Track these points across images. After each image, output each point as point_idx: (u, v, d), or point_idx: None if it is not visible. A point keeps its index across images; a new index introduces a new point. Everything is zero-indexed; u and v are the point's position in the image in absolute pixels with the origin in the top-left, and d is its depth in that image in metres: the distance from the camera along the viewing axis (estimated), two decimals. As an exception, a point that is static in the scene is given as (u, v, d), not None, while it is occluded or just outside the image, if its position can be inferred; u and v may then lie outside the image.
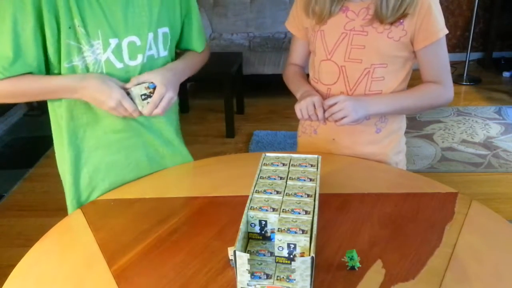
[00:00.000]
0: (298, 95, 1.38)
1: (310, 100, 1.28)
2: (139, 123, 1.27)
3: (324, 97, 1.34)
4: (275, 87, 2.81)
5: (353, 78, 1.34)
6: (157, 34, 1.23)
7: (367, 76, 1.33)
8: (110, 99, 1.13)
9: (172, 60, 1.31)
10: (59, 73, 1.17)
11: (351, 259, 0.92)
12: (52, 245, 1.05)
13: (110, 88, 1.13)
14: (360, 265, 0.93)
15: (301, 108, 1.28)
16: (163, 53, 1.26)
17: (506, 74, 4.75)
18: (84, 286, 0.92)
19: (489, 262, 0.95)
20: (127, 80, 1.19)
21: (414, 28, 1.26)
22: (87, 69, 1.16)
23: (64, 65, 1.15)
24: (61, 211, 1.30)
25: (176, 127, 1.41)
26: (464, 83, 4.57)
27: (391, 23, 1.26)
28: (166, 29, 1.25)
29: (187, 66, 1.33)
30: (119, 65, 1.18)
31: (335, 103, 1.24)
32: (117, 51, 1.17)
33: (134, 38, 1.18)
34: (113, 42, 1.16)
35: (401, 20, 1.26)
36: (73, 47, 1.13)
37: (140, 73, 1.21)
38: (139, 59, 1.20)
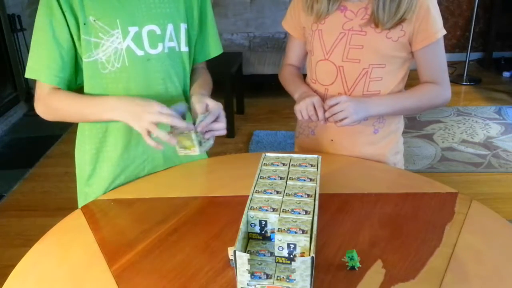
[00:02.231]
0: (296, 96, 1.38)
1: (309, 100, 1.28)
2: None
3: (322, 97, 1.34)
4: (275, 87, 2.81)
5: (351, 78, 1.34)
6: (178, 27, 1.25)
7: (365, 76, 1.33)
8: (149, 107, 1.11)
9: (191, 58, 1.34)
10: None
11: (351, 259, 0.92)
12: (52, 245, 1.05)
13: (147, 101, 1.12)
14: (360, 265, 0.93)
15: (301, 109, 1.29)
16: (185, 48, 1.28)
17: (506, 74, 4.75)
18: (84, 286, 0.92)
19: (489, 262, 0.95)
20: (149, 68, 1.21)
21: (413, 29, 1.27)
22: (108, 61, 1.18)
23: (84, 60, 1.18)
24: (61, 211, 1.30)
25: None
26: (464, 83, 4.57)
27: (389, 29, 1.26)
28: (186, 25, 1.27)
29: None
30: (139, 52, 1.20)
31: (337, 104, 1.24)
32: (137, 39, 1.19)
33: (153, 27, 1.20)
34: (132, 30, 1.18)
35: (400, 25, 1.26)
36: (90, 42, 1.16)
37: (163, 62, 1.23)
38: (160, 48, 1.22)
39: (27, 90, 4.14)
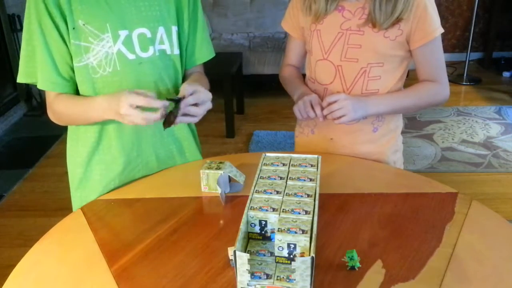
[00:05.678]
0: (295, 97, 1.39)
1: (307, 99, 1.29)
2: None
3: (321, 97, 1.35)
4: (275, 87, 2.82)
5: (349, 77, 1.34)
6: (170, 30, 1.24)
7: (363, 75, 1.33)
8: (120, 103, 1.06)
9: (183, 61, 1.32)
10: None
11: (351, 259, 0.92)
12: (52, 245, 1.05)
13: (119, 93, 1.07)
14: (360, 265, 0.93)
15: (299, 109, 1.29)
16: (176, 51, 1.27)
17: (506, 74, 4.75)
18: (84, 286, 0.92)
19: (489, 262, 0.95)
20: (141, 72, 1.20)
21: (410, 27, 1.27)
22: (99, 65, 1.17)
23: (75, 64, 1.17)
24: (61, 211, 1.30)
25: (190, 125, 1.41)
26: (464, 83, 4.57)
27: (386, 28, 1.26)
28: (177, 28, 1.26)
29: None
30: (131, 56, 1.19)
31: (335, 101, 1.25)
32: (128, 43, 1.18)
33: (144, 30, 1.19)
34: (122, 33, 1.17)
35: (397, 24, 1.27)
36: (80, 47, 1.15)
37: (154, 65, 1.22)
38: (151, 51, 1.21)
39: (27, 90, 4.14)
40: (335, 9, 1.32)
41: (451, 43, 5.04)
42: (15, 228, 2.64)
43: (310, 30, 1.37)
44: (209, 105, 1.14)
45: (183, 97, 1.10)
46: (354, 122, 1.36)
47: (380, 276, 0.91)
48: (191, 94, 1.11)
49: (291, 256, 0.85)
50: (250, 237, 0.95)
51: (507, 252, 0.98)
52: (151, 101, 1.05)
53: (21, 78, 1.19)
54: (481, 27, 5.04)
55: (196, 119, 1.14)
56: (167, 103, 1.08)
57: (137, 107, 1.05)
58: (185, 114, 1.11)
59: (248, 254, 0.79)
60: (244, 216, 0.91)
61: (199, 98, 1.11)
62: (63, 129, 1.33)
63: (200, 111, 1.12)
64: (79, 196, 1.32)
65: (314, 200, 0.94)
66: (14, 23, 4.02)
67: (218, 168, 1.18)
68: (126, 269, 0.96)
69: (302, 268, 0.79)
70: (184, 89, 1.12)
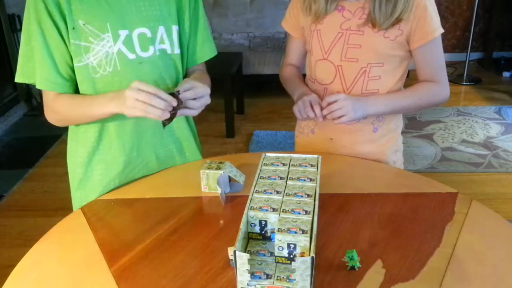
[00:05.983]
0: (295, 97, 1.39)
1: (307, 99, 1.29)
2: (151, 123, 1.27)
3: (321, 97, 1.35)
4: (275, 87, 2.82)
5: (349, 77, 1.34)
6: (170, 30, 1.24)
7: (363, 75, 1.33)
8: (128, 88, 1.06)
9: (183, 60, 1.32)
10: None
11: (351, 259, 0.92)
12: (52, 245, 1.05)
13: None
14: (360, 265, 0.93)
15: (299, 109, 1.29)
16: (177, 50, 1.27)
17: (506, 74, 4.75)
18: (84, 286, 0.92)
19: (489, 262, 0.95)
20: (141, 71, 1.20)
21: (410, 28, 1.27)
22: (99, 65, 1.17)
23: (75, 64, 1.17)
24: (61, 211, 1.30)
25: (190, 125, 1.42)
26: (464, 83, 4.57)
27: (386, 29, 1.26)
28: (177, 27, 1.26)
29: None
30: (131, 56, 1.19)
31: (335, 101, 1.25)
32: (128, 42, 1.18)
33: (144, 29, 1.19)
34: (122, 33, 1.17)
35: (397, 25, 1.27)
36: (80, 47, 1.15)
37: (155, 65, 1.22)
38: (151, 50, 1.21)
39: (27, 90, 4.14)
40: (335, 9, 1.32)
41: (451, 43, 5.04)
42: (15, 228, 2.64)
43: (310, 30, 1.37)
44: (207, 99, 1.16)
45: (178, 93, 1.11)
46: (354, 122, 1.36)
47: (380, 276, 0.91)
48: (188, 90, 1.12)
49: (291, 256, 0.85)
50: (250, 237, 0.95)
51: (507, 252, 0.98)
52: (160, 92, 1.06)
53: (19, 78, 1.19)
54: (481, 27, 5.04)
55: (194, 112, 1.15)
56: (175, 101, 1.08)
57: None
58: (183, 107, 1.13)
59: (248, 254, 0.79)
60: (244, 216, 0.91)
61: (196, 93, 1.13)
62: (63, 129, 1.33)
63: (198, 104, 1.14)
64: (79, 196, 1.32)
65: (314, 200, 0.94)
66: (14, 23, 4.02)
67: (218, 168, 1.18)
68: (126, 269, 0.96)
69: (302, 268, 0.79)
70: (181, 85, 1.13)
